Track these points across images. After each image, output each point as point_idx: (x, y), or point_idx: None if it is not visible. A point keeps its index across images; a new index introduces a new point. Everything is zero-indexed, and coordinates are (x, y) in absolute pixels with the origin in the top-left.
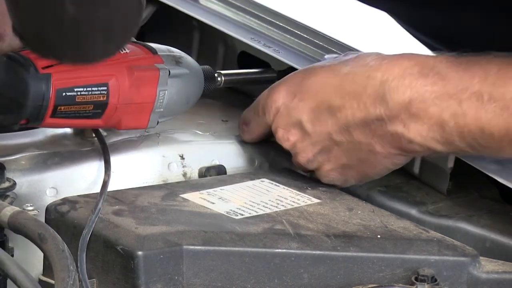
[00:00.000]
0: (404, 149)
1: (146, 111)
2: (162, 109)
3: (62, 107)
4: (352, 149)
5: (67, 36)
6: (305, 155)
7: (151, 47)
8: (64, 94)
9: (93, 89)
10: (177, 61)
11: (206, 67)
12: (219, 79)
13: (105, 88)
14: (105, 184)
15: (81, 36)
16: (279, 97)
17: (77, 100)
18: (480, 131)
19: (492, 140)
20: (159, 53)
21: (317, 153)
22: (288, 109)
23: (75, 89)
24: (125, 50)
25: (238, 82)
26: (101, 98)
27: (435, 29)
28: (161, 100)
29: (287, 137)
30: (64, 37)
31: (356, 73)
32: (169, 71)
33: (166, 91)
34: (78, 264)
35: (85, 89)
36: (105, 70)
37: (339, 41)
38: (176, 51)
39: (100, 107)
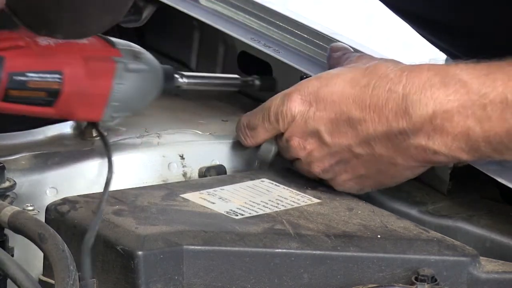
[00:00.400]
0: (428, 161)
1: (100, 103)
2: (117, 103)
3: (14, 92)
4: (372, 162)
5: (63, 8)
6: (322, 164)
7: (110, 39)
8: (16, 78)
9: (47, 75)
10: (136, 56)
11: (167, 66)
12: (180, 80)
13: (59, 76)
14: (108, 182)
15: (78, 7)
16: (295, 105)
17: (29, 85)
18: (506, 133)
19: None
20: (118, 47)
21: (334, 164)
22: (305, 118)
23: (28, 74)
24: (83, 41)
25: (202, 85)
26: (55, 86)
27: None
28: (117, 94)
29: (303, 146)
30: (60, 9)
31: (376, 85)
32: (127, 65)
33: (122, 85)
34: (83, 268)
35: (38, 75)
36: (61, 57)
37: (339, 41)
38: (136, 47)
39: (53, 95)
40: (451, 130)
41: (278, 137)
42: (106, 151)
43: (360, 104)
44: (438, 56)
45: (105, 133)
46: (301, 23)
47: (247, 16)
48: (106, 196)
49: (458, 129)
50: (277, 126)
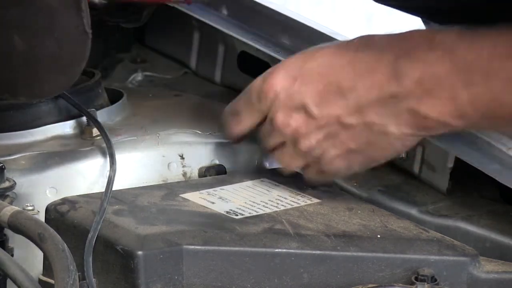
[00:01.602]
0: (419, 126)
1: None
2: None
3: None
4: (362, 132)
5: (19, 72)
6: (308, 141)
7: None
8: None
9: None
10: None
11: None
12: None
13: None
14: (110, 181)
15: (32, 69)
16: (277, 82)
17: None
18: (492, 101)
19: (505, 109)
20: None
21: (321, 139)
22: (288, 93)
23: None
24: None
25: None
26: None
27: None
28: None
29: (287, 122)
30: (17, 73)
31: (365, 52)
32: None
33: None
34: (85, 269)
35: None
36: None
37: (339, 41)
38: None
39: None
40: (439, 94)
41: (261, 127)
42: (108, 148)
43: (351, 72)
44: None
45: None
46: (301, 23)
47: (247, 16)
48: (109, 195)
49: (446, 94)
50: (260, 106)
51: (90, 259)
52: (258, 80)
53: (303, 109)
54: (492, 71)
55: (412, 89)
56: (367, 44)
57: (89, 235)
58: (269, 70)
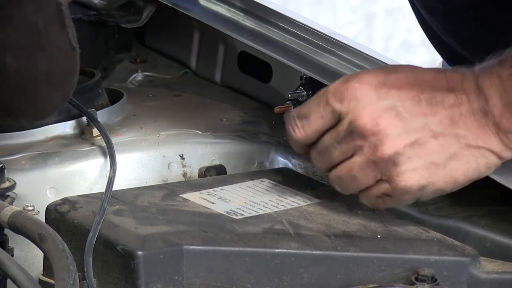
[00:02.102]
0: (503, 142)
1: None
2: None
3: None
4: (450, 144)
5: (15, 93)
6: (396, 144)
7: None
8: None
9: None
10: None
11: None
12: None
13: None
14: (110, 181)
15: (27, 89)
16: (363, 83)
17: None
18: None
19: None
20: None
21: (408, 145)
22: (378, 94)
23: None
24: None
25: None
26: None
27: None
28: None
29: (375, 122)
30: (13, 95)
31: (448, 71)
32: None
33: None
34: (85, 269)
35: None
36: None
37: (339, 41)
38: None
39: None
40: None
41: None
42: (108, 148)
43: (440, 84)
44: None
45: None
46: (301, 23)
47: (247, 16)
48: (109, 195)
49: None
50: (338, 107)
51: (91, 259)
52: (336, 82)
53: (394, 110)
54: None
55: (495, 103)
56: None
57: (89, 235)
58: (346, 76)
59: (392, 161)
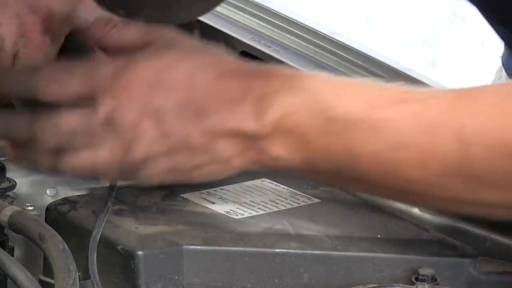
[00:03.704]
0: (265, 165)
1: None
2: None
3: None
4: (202, 157)
5: None
6: (148, 148)
7: None
8: None
9: None
10: None
11: None
12: None
13: None
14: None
15: None
16: (136, 79)
17: None
18: (346, 153)
19: (357, 163)
20: None
21: (161, 152)
22: (149, 93)
23: None
24: None
25: None
26: None
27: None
28: None
29: (137, 122)
30: None
31: (234, 78)
32: None
33: None
34: (89, 266)
35: None
36: None
37: (339, 41)
38: None
39: None
40: (295, 139)
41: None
42: None
43: (215, 95)
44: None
45: None
46: (301, 23)
47: (247, 16)
48: (113, 194)
49: (301, 140)
50: (100, 92)
51: (95, 255)
52: (113, 65)
53: (159, 114)
54: (349, 122)
55: (269, 130)
56: (238, 68)
57: (94, 232)
58: (124, 61)
59: (139, 164)
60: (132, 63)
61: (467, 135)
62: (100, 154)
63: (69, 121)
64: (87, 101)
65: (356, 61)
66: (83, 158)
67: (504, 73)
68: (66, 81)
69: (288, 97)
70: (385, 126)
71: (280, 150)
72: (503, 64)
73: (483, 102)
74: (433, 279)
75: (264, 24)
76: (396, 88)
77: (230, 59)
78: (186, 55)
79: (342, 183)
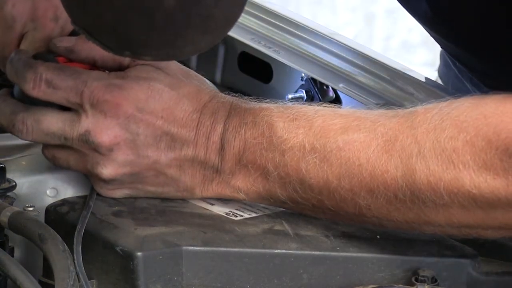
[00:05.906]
0: (225, 196)
1: None
2: None
3: None
4: (169, 184)
5: (155, 29)
6: (117, 171)
7: None
8: None
9: None
10: None
11: None
12: None
13: None
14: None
15: (176, 30)
16: (123, 104)
17: None
18: (300, 182)
19: (312, 192)
20: None
21: (128, 174)
22: (129, 119)
23: None
24: None
25: None
26: None
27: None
28: None
29: (112, 144)
30: (151, 30)
31: (206, 113)
32: None
33: None
34: (74, 257)
35: None
36: None
37: (339, 41)
38: None
39: None
40: (253, 172)
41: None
42: None
43: (191, 128)
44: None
45: None
46: (301, 23)
47: (247, 16)
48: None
49: (259, 172)
50: (87, 107)
51: (80, 248)
52: (103, 82)
53: (134, 142)
54: (303, 152)
55: (230, 164)
56: (211, 101)
57: (78, 227)
58: (115, 80)
59: (104, 182)
60: (125, 83)
61: (412, 162)
62: (71, 159)
63: (51, 123)
64: (74, 106)
65: (356, 61)
66: (57, 153)
67: None
68: (58, 83)
69: (247, 132)
70: (334, 156)
71: (240, 183)
72: (440, 77)
73: (421, 130)
74: (433, 280)
75: (264, 25)
76: (346, 115)
77: (207, 90)
78: (176, 83)
79: (304, 211)
